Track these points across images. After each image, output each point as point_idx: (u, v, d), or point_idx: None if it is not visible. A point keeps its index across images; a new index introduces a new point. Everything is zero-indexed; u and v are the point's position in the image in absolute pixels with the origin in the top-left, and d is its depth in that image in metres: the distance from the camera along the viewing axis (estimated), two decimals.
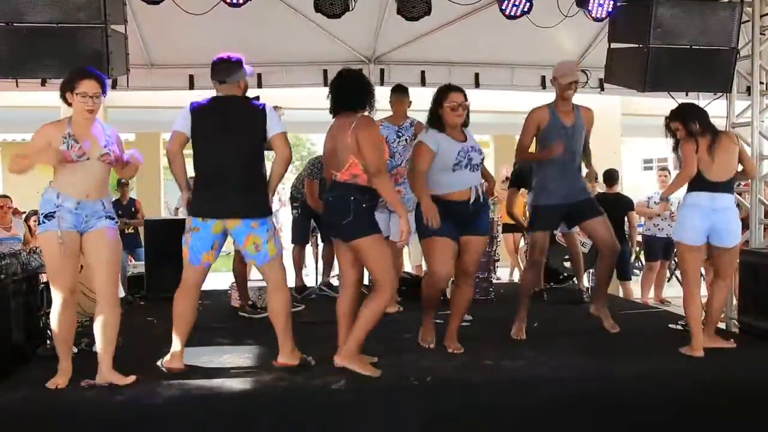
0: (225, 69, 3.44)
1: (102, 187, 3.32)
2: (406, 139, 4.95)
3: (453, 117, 3.68)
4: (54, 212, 3.19)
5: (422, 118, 4.09)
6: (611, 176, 6.82)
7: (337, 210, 3.35)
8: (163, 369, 3.37)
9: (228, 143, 3.35)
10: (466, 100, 3.72)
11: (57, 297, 3.23)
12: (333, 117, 3.46)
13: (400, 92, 5.15)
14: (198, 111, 3.39)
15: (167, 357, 3.41)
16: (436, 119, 3.74)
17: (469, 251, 3.77)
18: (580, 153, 4.29)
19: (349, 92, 3.43)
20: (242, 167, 3.36)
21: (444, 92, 3.74)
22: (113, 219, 3.37)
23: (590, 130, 4.37)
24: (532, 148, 4.32)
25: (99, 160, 3.23)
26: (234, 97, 3.47)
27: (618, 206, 6.41)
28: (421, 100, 3.81)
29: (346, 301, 3.48)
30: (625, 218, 6.63)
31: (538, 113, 4.20)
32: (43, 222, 3.21)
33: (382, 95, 6.42)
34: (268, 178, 3.48)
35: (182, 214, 9.37)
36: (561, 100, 4.22)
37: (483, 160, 3.81)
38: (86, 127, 3.26)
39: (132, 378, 3.22)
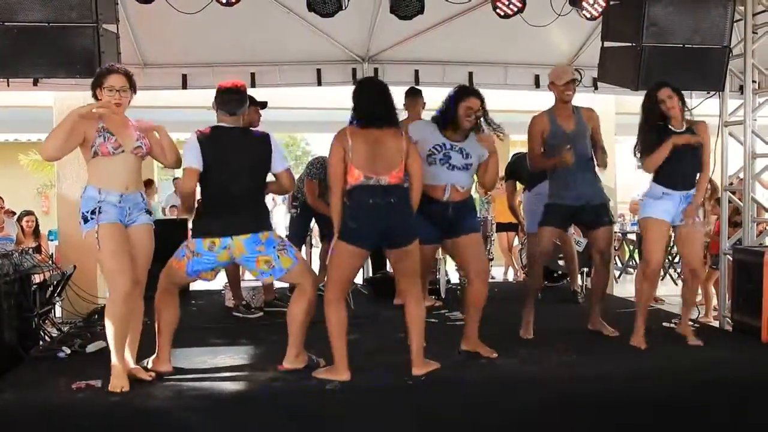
0: (238, 101, 3.44)
1: (139, 180, 3.40)
2: None
3: (464, 120, 3.64)
4: (98, 208, 3.19)
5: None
6: None
7: (402, 211, 3.31)
8: (149, 372, 3.34)
9: (242, 172, 3.36)
10: (482, 105, 3.67)
11: (111, 293, 3.19)
12: (367, 128, 3.33)
13: (412, 95, 5.22)
14: (206, 142, 3.36)
15: (156, 359, 3.40)
16: (444, 115, 3.71)
17: (461, 252, 3.75)
18: (588, 155, 4.25)
19: (393, 107, 3.44)
20: (249, 196, 3.38)
21: (462, 93, 3.70)
22: (150, 213, 3.44)
23: (598, 129, 4.34)
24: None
25: (132, 152, 3.29)
26: (239, 129, 3.47)
27: None
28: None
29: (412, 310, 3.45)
30: None
31: (540, 121, 4.20)
32: (92, 219, 3.17)
33: None
34: None
35: (169, 213, 9.39)
36: (561, 104, 4.21)
37: (470, 166, 3.70)
38: (117, 121, 3.29)
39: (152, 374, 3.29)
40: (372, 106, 3.36)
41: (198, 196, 3.49)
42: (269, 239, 3.35)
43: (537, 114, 4.27)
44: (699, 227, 4.16)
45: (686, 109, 4.02)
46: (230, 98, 3.42)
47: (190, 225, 4.71)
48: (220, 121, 3.43)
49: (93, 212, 3.17)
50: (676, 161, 3.94)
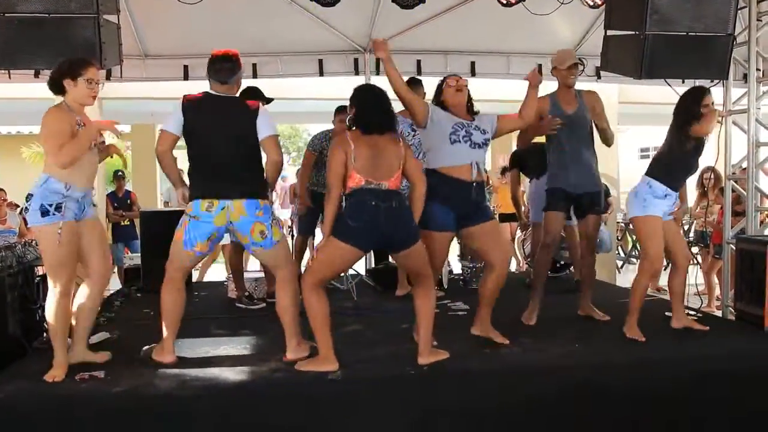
0: (229, 69, 3.42)
1: (94, 176, 3.44)
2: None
3: (453, 95, 3.75)
4: (62, 203, 3.18)
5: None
6: None
7: (403, 215, 3.31)
8: (152, 359, 3.38)
9: (225, 141, 3.36)
10: (461, 79, 3.81)
11: (59, 288, 3.21)
12: (368, 134, 3.34)
13: (411, 85, 5.19)
14: (192, 108, 3.36)
15: (157, 349, 3.41)
16: (439, 104, 3.83)
17: (483, 239, 3.74)
18: (589, 139, 4.32)
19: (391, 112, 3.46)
20: (241, 163, 3.38)
21: (443, 80, 3.86)
22: (95, 205, 3.52)
23: (600, 111, 4.37)
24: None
25: (99, 147, 3.32)
26: (230, 98, 3.47)
27: None
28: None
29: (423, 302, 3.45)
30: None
31: (540, 102, 4.17)
32: (54, 214, 3.16)
33: (379, 84, 6.46)
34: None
35: (173, 206, 9.37)
36: (564, 88, 4.28)
37: (486, 143, 3.76)
38: (84, 115, 3.29)
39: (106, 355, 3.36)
40: (371, 112, 3.37)
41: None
42: (266, 207, 3.39)
43: (539, 96, 4.25)
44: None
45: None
46: (221, 66, 3.42)
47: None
48: (212, 89, 3.44)
49: (57, 207, 3.16)
50: (686, 164, 3.97)
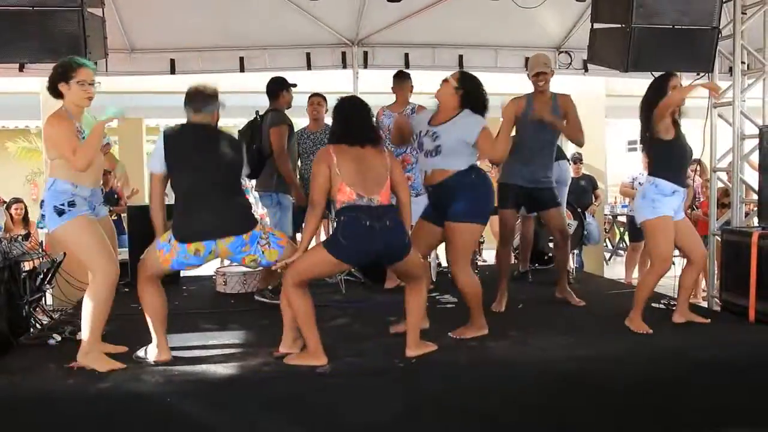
0: (202, 100, 3.40)
1: (101, 175, 3.49)
2: None
3: (437, 92, 3.76)
4: (73, 199, 3.22)
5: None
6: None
7: (396, 232, 3.28)
8: (150, 361, 3.34)
9: (207, 171, 3.29)
10: (450, 77, 3.75)
11: (113, 275, 3.26)
12: (350, 145, 3.33)
13: (398, 78, 5.27)
14: (173, 141, 3.34)
15: (153, 350, 3.37)
16: None
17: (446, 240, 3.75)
18: (554, 143, 4.58)
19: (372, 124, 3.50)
20: (222, 196, 3.31)
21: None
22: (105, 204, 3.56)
23: (573, 112, 4.49)
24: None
25: (102, 150, 3.35)
26: (209, 126, 3.43)
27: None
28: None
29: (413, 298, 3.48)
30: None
31: (516, 101, 4.36)
32: (69, 211, 3.20)
33: (366, 78, 6.46)
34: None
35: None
36: (537, 92, 4.51)
37: (440, 149, 3.63)
38: (86, 118, 3.31)
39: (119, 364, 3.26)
40: (353, 124, 3.37)
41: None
42: (252, 236, 3.31)
43: (517, 96, 4.49)
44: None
45: None
46: (193, 98, 3.38)
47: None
48: (189, 120, 3.40)
49: (71, 204, 3.19)
50: (679, 149, 3.97)
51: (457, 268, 3.67)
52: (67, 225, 3.20)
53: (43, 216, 3.30)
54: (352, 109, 3.43)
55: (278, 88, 4.97)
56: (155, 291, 3.37)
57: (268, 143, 4.76)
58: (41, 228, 7.44)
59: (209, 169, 3.29)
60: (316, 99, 5.54)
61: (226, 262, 5.47)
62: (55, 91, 3.27)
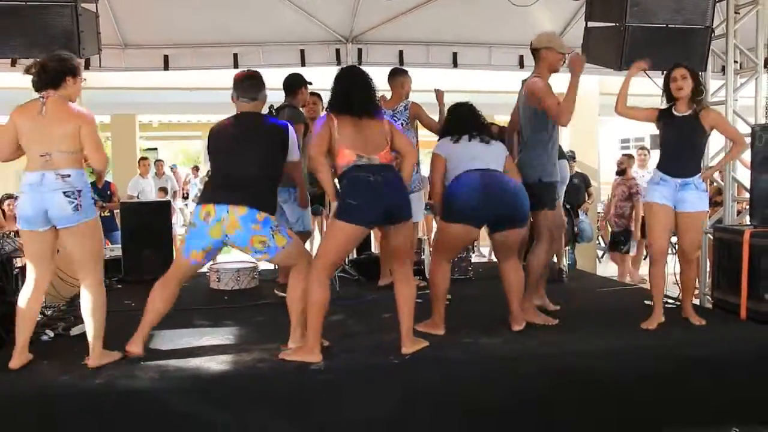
0: (255, 86, 3.50)
1: None
2: (402, 123, 5.00)
3: None
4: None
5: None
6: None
7: (399, 186, 3.35)
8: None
9: (240, 158, 3.35)
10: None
11: (94, 279, 3.24)
12: (350, 114, 3.38)
13: (393, 75, 5.23)
14: (215, 131, 3.46)
15: (131, 340, 3.37)
16: None
17: None
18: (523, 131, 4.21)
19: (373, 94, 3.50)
20: (255, 179, 3.34)
21: None
22: None
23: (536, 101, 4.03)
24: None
25: None
26: (260, 115, 3.52)
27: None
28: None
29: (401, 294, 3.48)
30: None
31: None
32: (93, 206, 3.24)
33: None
34: None
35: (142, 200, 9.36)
36: (547, 73, 4.07)
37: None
38: None
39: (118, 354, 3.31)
40: (353, 96, 3.39)
41: None
42: (266, 219, 3.31)
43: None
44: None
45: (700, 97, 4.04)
46: (246, 84, 3.50)
47: (174, 204, 4.72)
48: (240, 109, 3.48)
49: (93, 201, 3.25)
50: (674, 149, 4.01)
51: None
52: (95, 221, 3.23)
53: (77, 206, 3.08)
54: (351, 81, 3.46)
55: (297, 85, 5.00)
56: (166, 293, 3.35)
57: None
58: None
59: (254, 158, 3.36)
60: (312, 99, 5.53)
61: (220, 258, 5.47)
62: (56, 79, 3.16)
